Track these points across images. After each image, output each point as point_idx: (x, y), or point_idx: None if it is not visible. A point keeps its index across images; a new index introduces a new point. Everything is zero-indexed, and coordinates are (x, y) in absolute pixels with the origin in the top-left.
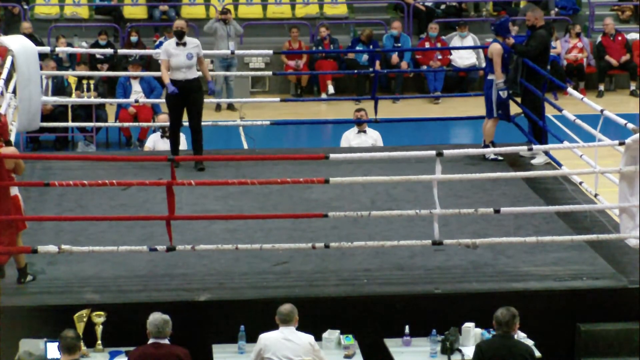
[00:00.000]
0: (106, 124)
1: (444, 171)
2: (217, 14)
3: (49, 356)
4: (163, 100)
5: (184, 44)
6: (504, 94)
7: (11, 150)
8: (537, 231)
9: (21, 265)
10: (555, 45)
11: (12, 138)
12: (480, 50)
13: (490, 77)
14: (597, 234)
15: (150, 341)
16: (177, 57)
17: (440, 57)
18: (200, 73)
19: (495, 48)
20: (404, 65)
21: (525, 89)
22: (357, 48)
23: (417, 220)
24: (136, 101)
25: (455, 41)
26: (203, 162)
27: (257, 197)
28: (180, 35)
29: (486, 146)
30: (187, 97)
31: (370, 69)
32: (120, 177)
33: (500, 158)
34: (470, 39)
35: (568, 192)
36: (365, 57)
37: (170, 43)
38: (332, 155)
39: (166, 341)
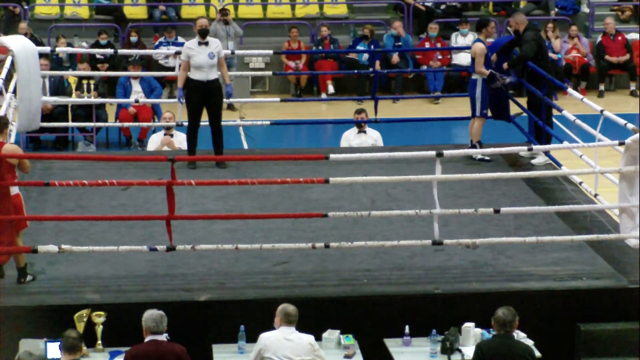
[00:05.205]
0: (106, 124)
1: (444, 171)
2: (217, 16)
3: (49, 356)
4: (163, 100)
5: (206, 44)
6: (506, 80)
7: (13, 148)
8: (537, 231)
9: (21, 265)
10: (555, 44)
11: (12, 138)
12: None
13: (474, 76)
14: (597, 234)
15: (148, 339)
16: (198, 56)
17: (440, 57)
18: (220, 74)
19: (479, 47)
20: (396, 59)
21: (528, 91)
22: (359, 47)
23: (417, 220)
24: (136, 101)
25: (458, 39)
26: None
27: (257, 197)
28: (203, 34)
29: (473, 146)
30: (207, 97)
31: (370, 69)
32: (120, 177)
33: (487, 158)
34: (471, 37)
35: (568, 192)
36: (365, 55)
37: (192, 42)
38: (332, 156)
39: (163, 338)
